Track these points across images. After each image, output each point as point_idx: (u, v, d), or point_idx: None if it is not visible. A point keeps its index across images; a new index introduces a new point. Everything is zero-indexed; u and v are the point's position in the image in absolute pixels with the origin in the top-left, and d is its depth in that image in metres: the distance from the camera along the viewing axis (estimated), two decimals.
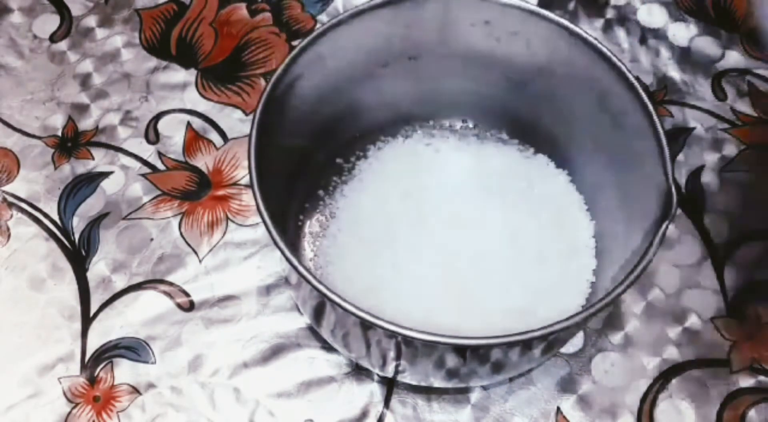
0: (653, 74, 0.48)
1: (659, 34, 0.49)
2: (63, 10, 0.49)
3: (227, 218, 0.43)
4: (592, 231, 0.38)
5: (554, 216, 0.38)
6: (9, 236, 0.42)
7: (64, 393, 0.39)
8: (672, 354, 0.40)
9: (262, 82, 0.47)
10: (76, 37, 0.48)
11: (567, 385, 0.39)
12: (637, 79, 0.34)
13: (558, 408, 0.39)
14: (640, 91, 0.33)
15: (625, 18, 0.49)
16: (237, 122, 0.46)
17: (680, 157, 0.45)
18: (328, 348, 0.40)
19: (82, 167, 0.44)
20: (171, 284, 0.41)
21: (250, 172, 0.32)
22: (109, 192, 0.43)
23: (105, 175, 0.44)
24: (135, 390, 0.39)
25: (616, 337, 0.40)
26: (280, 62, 0.34)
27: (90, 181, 0.44)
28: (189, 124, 0.46)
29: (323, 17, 0.49)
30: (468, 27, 0.37)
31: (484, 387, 0.39)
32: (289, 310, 0.41)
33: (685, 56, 0.48)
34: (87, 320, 0.40)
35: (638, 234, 0.33)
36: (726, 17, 0.49)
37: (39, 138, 0.45)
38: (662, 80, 0.47)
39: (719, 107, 0.47)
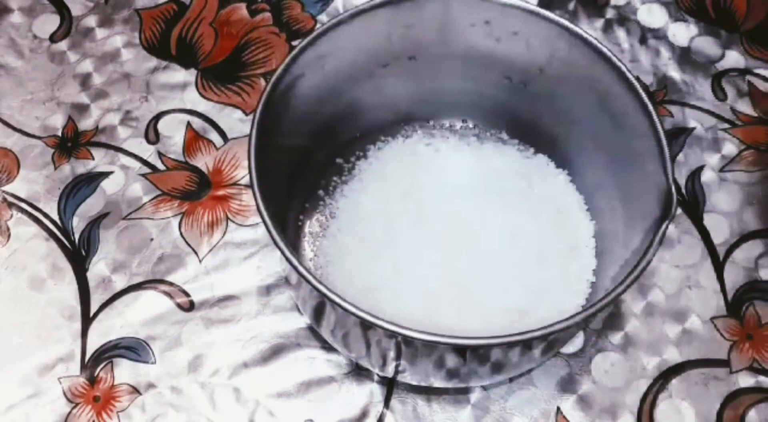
0: (653, 74, 0.48)
1: (659, 34, 0.49)
2: (63, 10, 0.49)
3: (227, 218, 0.43)
4: (592, 231, 0.38)
5: (554, 216, 0.38)
6: (9, 236, 0.42)
7: (64, 393, 0.39)
8: (672, 354, 0.40)
9: (262, 82, 0.47)
10: (76, 37, 0.48)
11: (567, 385, 0.39)
12: (637, 79, 0.34)
13: (558, 408, 0.39)
14: (640, 91, 0.33)
15: (625, 18, 0.49)
16: (237, 122, 0.46)
17: (680, 157, 0.45)
18: (328, 348, 0.40)
19: (82, 167, 0.44)
20: (171, 284, 0.41)
21: (250, 172, 0.32)
22: (109, 192, 0.43)
23: (105, 175, 0.44)
24: (135, 390, 0.39)
25: (616, 337, 0.40)
26: (280, 62, 0.34)
27: (90, 181, 0.44)
28: (189, 124, 0.46)
29: (323, 17, 0.49)
30: (468, 27, 0.37)
31: (484, 387, 0.39)
32: (289, 310, 0.41)
33: (685, 56, 0.48)
34: (87, 320, 0.40)
35: (638, 234, 0.33)
36: (726, 17, 0.49)
37: (39, 138, 0.45)
38: (662, 80, 0.47)
39: (719, 107, 0.47)
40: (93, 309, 0.41)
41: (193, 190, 0.44)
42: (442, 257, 0.37)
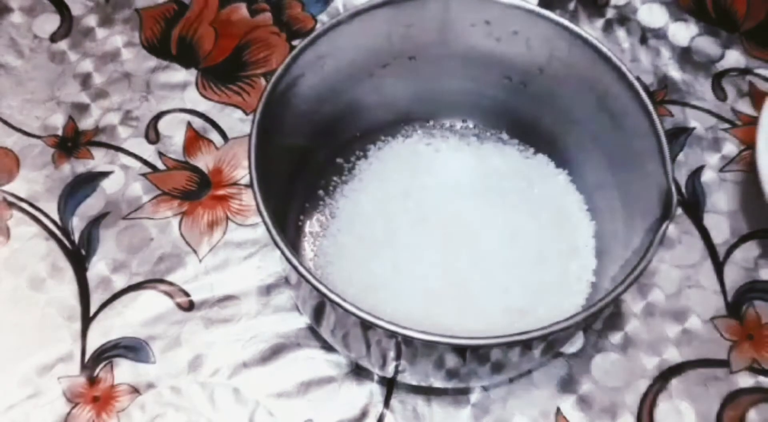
0: (653, 74, 0.48)
1: (659, 34, 0.49)
2: (63, 10, 0.49)
3: (227, 218, 0.43)
4: (592, 231, 0.38)
5: (554, 216, 0.38)
6: (9, 236, 0.42)
7: (64, 393, 0.39)
8: (672, 354, 0.40)
9: (263, 81, 0.47)
10: (76, 36, 0.48)
11: (567, 385, 0.39)
12: (638, 79, 0.34)
13: (558, 408, 0.39)
14: (640, 91, 0.33)
15: (625, 18, 0.49)
16: (237, 122, 0.46)
17: (680, 157, 0.45)
18: (328, 348, 0.40)
19: (82, 167, 0.44)
20: (171, 284, 0.41)
21: (250, 172, 0.32)
22: (109, 191, 0.43)
23: (105, 174, 0.44)
24: (135, 390, 0.39)
25: (616, 337, 0.40)
26: (281, 62, 0.34)
27: (90, 180, 0.44)
28: (189, 123, 0.46)
29: (323, 17, 0.49)
30: (468, 27, 0.37)
31: (484, 388, 0.39)
32: (289, 310, 0.41)
33: (685, 56, 0.48)
34: (87, 320, 0.40)
35: (638, 234, 0.33)
36: (726, 17, 0.49)
37: (39, 137, 0.45)
38: (662, 80, 0.47)
39: (719, 107, 0.47)
40: (93, 309, 0.41)
41: (193, 189, 0.44)
42: (442, 257, 0.37)
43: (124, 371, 0.39)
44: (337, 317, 0.33)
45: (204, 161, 0.44)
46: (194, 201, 0.43)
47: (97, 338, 0.40)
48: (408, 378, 0.36)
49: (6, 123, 0.45)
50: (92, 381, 0.39)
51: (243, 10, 0.49)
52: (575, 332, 0.39)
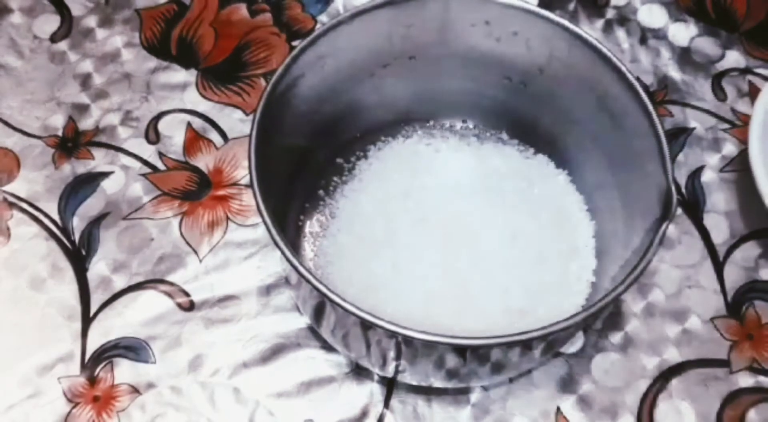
0: (653, 74, 0.48)
1: (659, 34, 0.49)
2: (63, 10, 0.49)
3: (227, 218, 0.43)
4: (592, 231, 0.38)
5: (554, 216, 0.38)
6: (9, 236, 0.42)
7: (64, 393, 0.39)
8: (672, 354, 0.40)
9: (262, 82, 0.47)
10: (76, 37, 0.48)
11: (567, 385, 0.39)
12: (637, 79, 0.34)
13: (558, 408, 0.39)
14: (640, 91, 0.33)
15: (625, 18, 0.49)
16: (237, 122, 0.46)
17: (680, 157, 0.45)
18: (328, 348, 0.40)
19: (82, 167, 0.44)
20: (171, 284, 0.41)
21: (250, 172, 0.32)
22: (109, 192, 0.43)
23: (105, 175, 0.44)
24: (135, 390, 0.39)
25: (616, 337, 0.40)
26: (281, 62, 0.34)
27: (90, 180, 0.44)
28: (189, 124, 0.46)
29: (323, 17, 0.49)
30: (468, 27, 0.37)
31: (484, 388, 0.39)
32: (289, 310, 0.41)
33: (685, 56, 0.48)
34: (87, 320, 0.40)
35: (638, 235, 0.33)
36: (726, 17, 0.49)
37: (39, 138, 0.45)
38: (662, 80, 0.47)
39: (719, 107, 0.47)
40: (93, 309, 0.41)
41: (194, 190, 0.44)
42: (442, 257, 0.37)
43: (125, 371, 0.39)
44: (337, 317, 0.33)
45: (204, 161, 0.44)
46: (194, 201, 0.43)
47: (97, 338, 0.40)
48: (408, 378, 0.36)
49: (6, 123, 0.45)
50: (92, 381, 0.39)
51: (243, 10, 0.49)
52: (575, 332, 0.39)
